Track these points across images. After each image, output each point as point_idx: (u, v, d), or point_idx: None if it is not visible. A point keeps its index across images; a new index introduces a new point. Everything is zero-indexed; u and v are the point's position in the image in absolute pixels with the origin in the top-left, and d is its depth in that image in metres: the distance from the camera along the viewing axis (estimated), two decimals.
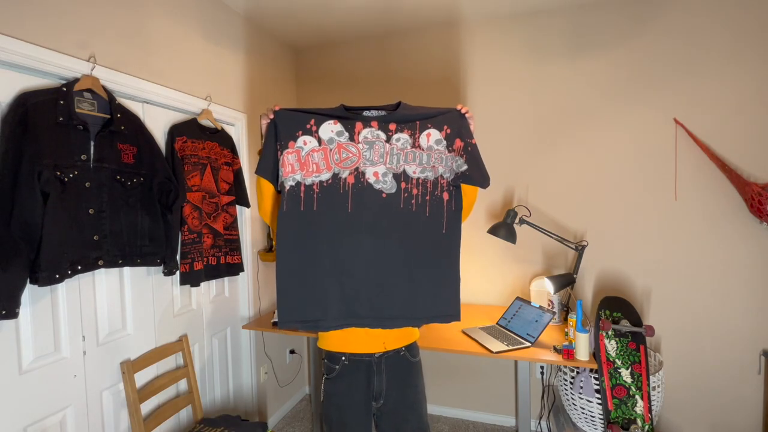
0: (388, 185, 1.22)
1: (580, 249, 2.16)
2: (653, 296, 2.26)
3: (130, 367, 1.62)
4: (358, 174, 1.21)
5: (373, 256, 1.21)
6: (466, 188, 1.29)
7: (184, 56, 1.96)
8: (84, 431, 1.50)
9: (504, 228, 2.14)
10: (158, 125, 1.81)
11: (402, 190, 1.22)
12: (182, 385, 1.95)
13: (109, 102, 1.51)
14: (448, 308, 1.27)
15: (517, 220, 2.19)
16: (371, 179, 1.22)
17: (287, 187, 1.21)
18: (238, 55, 2.35)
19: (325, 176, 1.21)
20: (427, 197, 1.24)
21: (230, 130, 2.27)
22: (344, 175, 1.21)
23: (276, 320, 2.19)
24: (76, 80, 1.41)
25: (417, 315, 1.24)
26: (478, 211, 2.52)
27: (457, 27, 2.54)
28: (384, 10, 2.36)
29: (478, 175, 1.26)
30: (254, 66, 2.49)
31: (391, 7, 2.33)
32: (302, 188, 1.20)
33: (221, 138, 2.09)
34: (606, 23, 2.26)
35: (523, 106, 2.44)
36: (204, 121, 2.02)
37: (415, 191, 1.23)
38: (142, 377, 1.72)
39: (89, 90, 1.45)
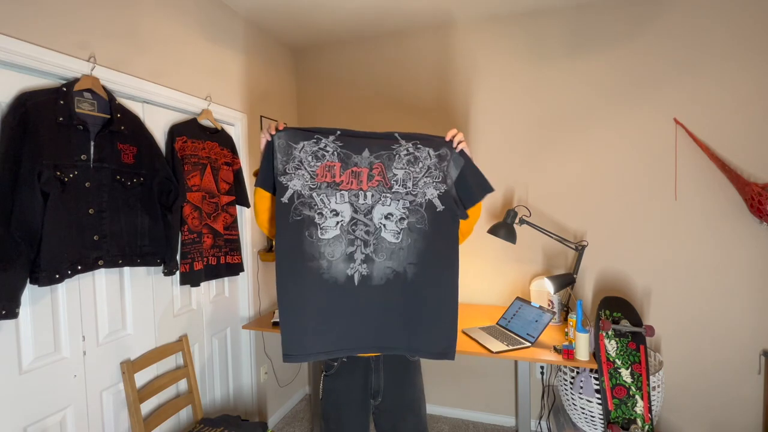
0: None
1: (580, 249, 2.16)
2: (653, 296, 2.26)
3: (130, 367, 1.62)
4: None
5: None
6: (469, 211, 1.31)
7: (184, 56, 1.96)
8: (84, 431, 1.50)
9: (504, 228, 2.14)
10: (158, 125, 1.81)
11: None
12: (182, 385, 1.95)
13: (109, 102, 1.51)
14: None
15: (517, 220, 2.19)
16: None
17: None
18: (238, 55, 2.35)
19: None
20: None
21: (230, 130, 2.27)
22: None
23: (276, 320, 2.19)
24: (76, 80, 1.41)
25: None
26: None
27: (457, 28, 2.53)
28: (383, 12, 2.36)
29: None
30: (254, 66, 2.49)
31: (391, 9, 2.33)
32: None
33: (221, 138, 2.09)
34: (605, 24, 2.26)
35: (523, 106, 2.44)
36: (204, 121, 2.02)
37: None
38: (142, 377, 1.72)
39: (89, 90, 1.45)
